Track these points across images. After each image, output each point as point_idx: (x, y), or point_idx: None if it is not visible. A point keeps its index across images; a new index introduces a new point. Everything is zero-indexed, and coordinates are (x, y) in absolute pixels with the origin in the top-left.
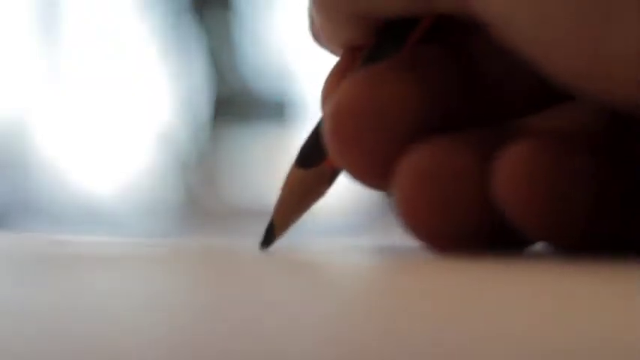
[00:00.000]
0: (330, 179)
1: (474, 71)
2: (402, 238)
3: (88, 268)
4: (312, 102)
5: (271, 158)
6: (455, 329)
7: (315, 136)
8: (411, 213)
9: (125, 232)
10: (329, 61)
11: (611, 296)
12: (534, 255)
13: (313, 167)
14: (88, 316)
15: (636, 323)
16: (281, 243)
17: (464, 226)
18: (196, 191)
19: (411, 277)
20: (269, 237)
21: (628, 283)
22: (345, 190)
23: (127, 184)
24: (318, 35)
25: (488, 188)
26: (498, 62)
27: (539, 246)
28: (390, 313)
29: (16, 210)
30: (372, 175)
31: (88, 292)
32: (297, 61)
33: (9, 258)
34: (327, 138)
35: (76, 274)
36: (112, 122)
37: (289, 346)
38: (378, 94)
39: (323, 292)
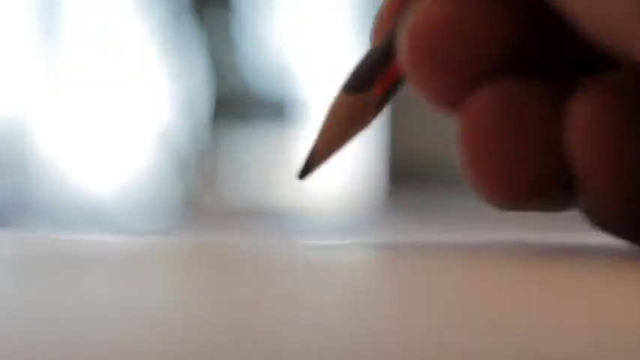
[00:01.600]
0: (377, 107)
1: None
2: (402, 238)
3: (87, 268)
4: (312, 102)
5: (271, 158)
6: (454, 328)
7: (366, 60)
8: (478, 166)
9: (125, 231)
10: (329, 61)
11: (615, 293)
12: (537, 253)
13: (362, 93)
14: (88, 316)
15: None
16: (281, 243)
17: (533, 175)
18: (196, 191)
19: (411, 276)
20: (308, 166)
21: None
22: (344, 190)
23: (127, 184)
24: None
25: (559, 140)
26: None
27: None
28: (390, 313)
29: (16, 210)
30: (446, 98)
31: (87, 292)
32: (297, 61)
33: (9, 258)
34: (403, 57)
35: (76, 274)
36: (111, 122)
37: (288, 345)
38: (464, 14)
39: (322, 291)
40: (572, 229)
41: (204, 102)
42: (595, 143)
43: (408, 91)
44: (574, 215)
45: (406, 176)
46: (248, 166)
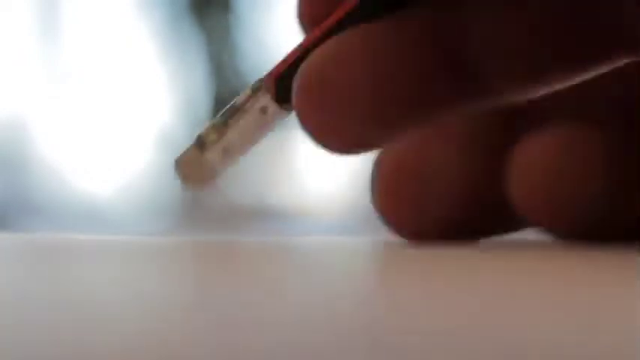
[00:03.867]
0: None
1: (453, 48)
2: (401, 238)
3: (87, 268)
4: None
5: (271, 158)
6: (453, 326)
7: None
8: (390, 208)
9: (125, 231)
10: None
11: (610, 289)
12: (538, 253)
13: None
14: (88, 315)
15: (634, 317)
16: (281, 242)
17: (442, 221)
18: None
19: (411, 276)
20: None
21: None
22: (344, 191)
23: (126, 184)
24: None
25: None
26: (480, 40)
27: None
28: (390, 312)
29: (16, 210)
30: (334, 143)
31: (87, 292)
32: None
33: (9, 258)
34: (296, 105)
35: (76, 274)
36: (111, 122)
37: (287, 344)
38: (333, 73)
39: (322, 291)
40: None
41: (204, 102)
42: (537, 183)
43: None
44: None
45: None
46: (248, 166)
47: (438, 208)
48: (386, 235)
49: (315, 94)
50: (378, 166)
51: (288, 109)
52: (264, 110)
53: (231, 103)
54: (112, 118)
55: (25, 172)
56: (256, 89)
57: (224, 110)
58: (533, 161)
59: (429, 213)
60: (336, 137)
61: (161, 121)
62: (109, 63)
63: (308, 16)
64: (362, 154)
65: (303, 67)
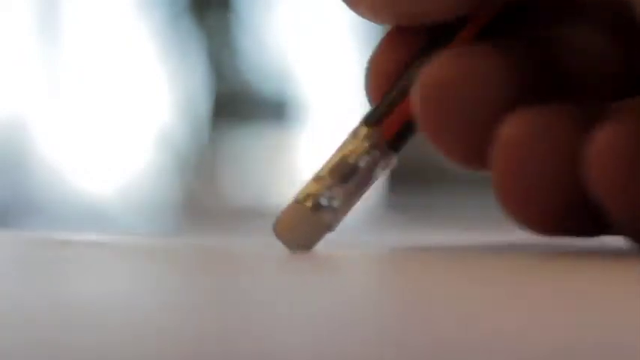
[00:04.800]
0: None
1: (555, 60)
2: (402, 238)
3: (87, 268)
4: (312, 102)
5: (271, 158)
6: (454, 327)
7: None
8: (509, 186)
9: (125, 231)
10: (329, 61)
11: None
12: (539, 253)
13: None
14: (88, 315)
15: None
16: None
17: (561, 202)
18: (196, 191)
19: (411, 276)
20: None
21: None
22: None
23: (126, 184)
24: None
25: (579, 169)
26: (579, 53)
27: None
28: (389, 312)
29: (15, 210)
30: (465, 155)
31: (87, 291)
32: (297, 61)
33: (9, 258)
34: (419, 117)
35: (76, 273)
36: (111, 122)
37: (286, 344)
38: (463, 73)
39: (322, 291)
40: None
41: (204, 102)
42: (613, 168)
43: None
44: None
45: (406, 177)
46: (248, 166)
47: (552, 187)
48: (386, 236)
49: (438, 104)
50: (497, 140)
51: (394, 161)
52: (372, 167)
53: (334, 153)
54: (112, 118)
55: (25, 172)
56: (361, 138)
57: (327, 162)
58: (606, 148)
59: (545, 191)
60: (459, 143)
61: (161, 121)
62: (108, 63)
63: (374, 90)
64: (481, 169)
65: (424, 77)
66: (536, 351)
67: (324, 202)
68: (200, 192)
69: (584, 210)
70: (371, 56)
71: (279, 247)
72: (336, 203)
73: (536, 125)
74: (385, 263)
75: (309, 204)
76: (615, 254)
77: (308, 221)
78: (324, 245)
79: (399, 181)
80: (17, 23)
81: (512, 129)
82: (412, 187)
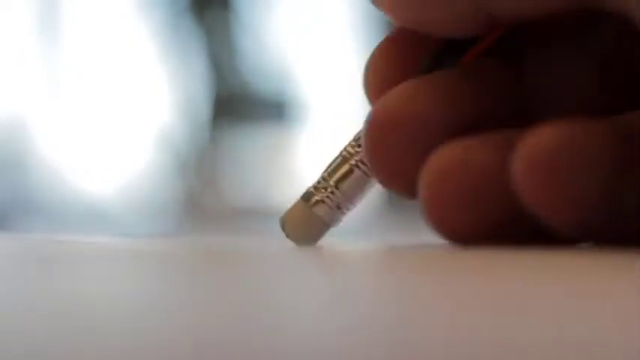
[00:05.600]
0: None
1: (520, 89)
2: (402, 239)
3: (87, 268)
4: (312, 102)
5: (271, 158)
6: (454, 326)
7: None
8: (435, 210)
9: (125, 232)
10: (329, 61)
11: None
12: (538, 253)
13: None
14: (88, 315)
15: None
16: (280, 243)
17: (486, 221)
18: (196, 191)
19: (410, 276)
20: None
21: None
22: None
23: (126, 184)
24: None
25: (507, 181)
26: (547, 84)
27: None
28: (389, 312)
29: (16, 210)
30: (404, 186)
31: (87, 292)
32: (297, 61)
33: (9, 258)
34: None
35: (76, 274)
36: (111, 122)
37: (286, 344)
38: (408, 109)
39: (322, 291)
40: None
41: (204, 102)
42: (537, 174)
43: None
44: None
45: None
46: (248, 166)
47: (486, 210)
48: (386, 236)
49: (385, 131)
50: (425, 169)
51: None
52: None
53: (337, 155)
54: (112, 118)
55: (25, 172)
56: (360, 141)
57: (330, 164)
58: (534, 152)
59: (478, 214)
60: (401, 176)
61: (161, 121)
62: (108, 63)
63: (374, 87)
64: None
65: (377, 105)
66: (535, 351)
67: (326, 201)
68: (200, 192)
69: (519, 226)
70: (369, 58)
71: (279, 247)
72: (337, 203)
73: (459, 152)
74: (385, 263)
75: (311, 202)
76: (615, 254)
77: (310, 219)
78: (325, 245)
79: None
80: (17, 23)
81: (434, 161)
82: None
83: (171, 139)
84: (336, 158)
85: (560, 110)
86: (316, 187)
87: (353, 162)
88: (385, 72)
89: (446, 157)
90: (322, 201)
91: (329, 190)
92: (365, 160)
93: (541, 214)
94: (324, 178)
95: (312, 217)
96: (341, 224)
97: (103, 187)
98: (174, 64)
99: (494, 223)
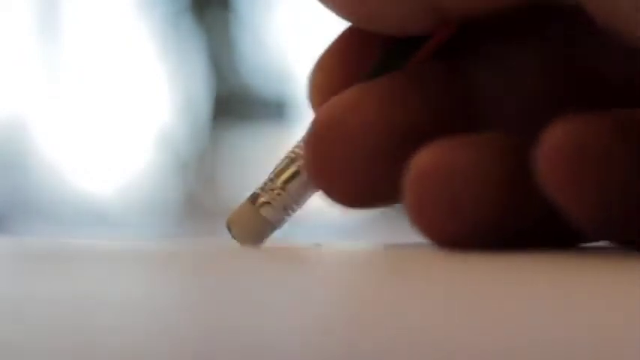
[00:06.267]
0: None
1: (468, 91)
2: (402, 238)
3: (87, 268)
4: None
5: (271, 158)
6: (454, 326)
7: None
8: (422, 214)
9: (125, 232)
10: None
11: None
12: (537, 253)
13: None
14: (88, 316)
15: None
16: (280, 242)
17: (471, 224)
18: (196, 191)
19: (410, 276)
20: None
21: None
22: None
23: (126, 184)
24: None
25: (494, 181)
26: (495, 82)
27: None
28: (389, 311)
29: (16, 210)
30: (344, 196)
31: (87, 292)
32: (297, 61)
33: (9, 258)
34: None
35: (76, 274)
36: (111, 122)
37: (286, 343)
38: (349, 119)
39: (321, 291)
40: None
41: (204, 102)
42: (562, 167)
43: None
44: None
45: None
46: (248, 166)
47: (475, 210)
48: (385, 236)
49: (328, 141)
50: (409, 172)
51: None
52: None
53: (285, 157)
54: (112, 118)
55: (25, 172)
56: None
57: (278, 165)
58: (558, 146)
59: (466, 215)
60: (343, 187)
61: (161, 121)
62: (108, 62)
63: (317, 97)
64: (367, 208)
65: (319, 113)
66: (535, 350)
67: (271, 202)
68: (200, 192)
69: (505, 227)
70: (312, 70)
71: (279, 247)
72: (283, 204)
73: (442, 154)
74: (384, 263)
75: (258, 203)
76: (615, 254)
77: (256, 220)
78: (325, 244)
79: None
80: (17, 23)
81: (419, 164)
82: None
83: (171, 139)
84: (284, 160)
85: (512, 109)
86: (263, 189)
87: (300, 163)
88: (327, 81)
89: (429, 159)
90: (268, 202)
91: (275, 191)
92: (305, 170)
93: (571, 213)
94: (270, 180)
95: (258, 218)
96: (341, 224)
97: (103, 187)
98: (174, 64)
99: (483, 224)
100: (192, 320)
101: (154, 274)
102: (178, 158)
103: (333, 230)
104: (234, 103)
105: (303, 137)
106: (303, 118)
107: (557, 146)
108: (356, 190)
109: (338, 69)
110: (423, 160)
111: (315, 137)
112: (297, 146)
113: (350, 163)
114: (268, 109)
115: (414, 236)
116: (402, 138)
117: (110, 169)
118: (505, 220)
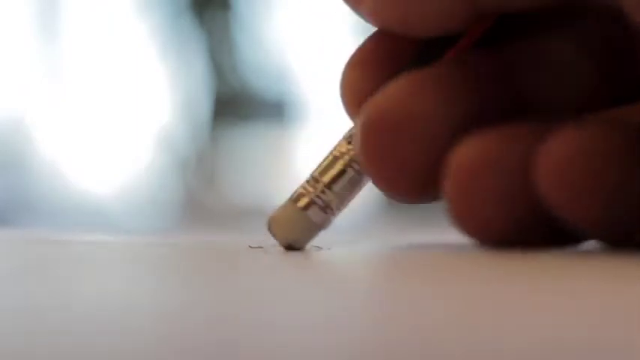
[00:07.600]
0: None
1: (514, 79)
2: (402, 238)
3: (87, 268)
4: (312, 102)
5: (271, 158)
6: (455, 326)
7: None
8: (464, 208)
9: (125, 231)
10: (329, 61)
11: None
12: (536, 254)
13: None
14: (88, 315)
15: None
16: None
17: (513, 219)
18: (196, 191)
19: (411, 276)
20: None
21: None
22: None
23: (127, 184)
24: None
25: (531, 181)
26: (540, 72)
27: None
28: (389, 311)
29: (16, 209)
30: (407, 188)
31: (87, 292)
32: (297, 61)
33: (9, 258)
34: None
35: (75, 274)
36: (111, 122)
37: (286, 343)
38: (408, 107)
39: (321, 291)
40: None
41: (204, 102)
42: (565, 178)
43: None
44: None
45: None
46: (248, 166)
47: (516, 206)
48: (385, 236)
49: (384, 133)
50: (449, 165)
51: None
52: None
53: (328, 154)
54: (112, 118)
55: (25, 172)
56: (350, 140)
57: (320, 164)
58: (559, 156)
59: (507, 210)
60: (405, 180)
61: (161, 121)
62: (108, 63)
63: (351, 100)
64: (427, 201)
65: (368, 104)
66: (535, 351)
67: (316, 201)
68: (200, 192)
69: (546, 224)
70: (343, 72)
71: (278, 247)
72: (327, 203)
73: (485, 150)
74: (385, 263)
75: (301, 203)
76: (615, 254)
77: (300, 220)
78: (325, 244)
79: None
80: (17, 23)
81: (462, 156)
82: None
83: (171, 139)
84: (327, 157)
85: (555, 101)
86: (305, 188)
87: (345, 161)
88: (360, 79)
89: (474, 152)
90: (313, 202)
91: (319, 190)
92: (360, 165)
93: (568, 218)
94: (314, 179)
95: (302, 218)
96: (341, 224)
97: (103, 187)
98: (174, 64)
99: (523, 220)
100: (192, 320)
101: (154, 273)
102: (178, 158)
103: (333, 230)
104: (234, 103)
105: (352, 134)
106: (303, 118)
107: (558, 159)
108: (419, 183)
109: (371, 66)
110: (465, 153)
111: (373, 130)
112: (340, 143)
113: (412, 154)
114: (268, 109)
115: (414, 236)
116: (459, 126)
117: (110, 168)
118: (546, 216)
